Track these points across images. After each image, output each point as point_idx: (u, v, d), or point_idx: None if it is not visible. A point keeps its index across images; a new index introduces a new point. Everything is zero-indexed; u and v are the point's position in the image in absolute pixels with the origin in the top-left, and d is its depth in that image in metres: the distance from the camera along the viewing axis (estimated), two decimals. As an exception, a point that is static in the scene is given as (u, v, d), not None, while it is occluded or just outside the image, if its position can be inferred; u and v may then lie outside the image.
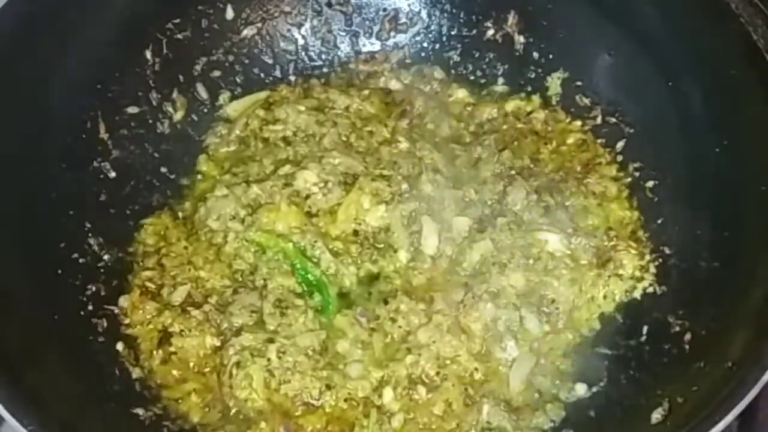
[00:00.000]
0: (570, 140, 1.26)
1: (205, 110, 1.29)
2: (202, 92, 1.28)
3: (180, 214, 1.21)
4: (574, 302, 1.12)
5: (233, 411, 1.04)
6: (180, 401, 1.05)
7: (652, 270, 1.13)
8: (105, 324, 1.08)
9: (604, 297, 1.12)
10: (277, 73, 1.33)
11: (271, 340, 1.06)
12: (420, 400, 1.06)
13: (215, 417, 1.04)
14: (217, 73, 1.29)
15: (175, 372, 1.07)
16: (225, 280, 1.13)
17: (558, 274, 1.13)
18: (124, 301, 1.11)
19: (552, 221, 1.16)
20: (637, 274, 1.13)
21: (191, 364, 1.08)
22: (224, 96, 1.30)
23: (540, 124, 1.27)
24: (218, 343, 1.08)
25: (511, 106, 1.29)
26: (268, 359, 1.05)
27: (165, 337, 1.08)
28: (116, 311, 1.10)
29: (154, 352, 1.08)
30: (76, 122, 1.13)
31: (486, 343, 1.08)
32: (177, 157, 1.25)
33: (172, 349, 1.08)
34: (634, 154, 1.21)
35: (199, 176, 1.25)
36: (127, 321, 1.10)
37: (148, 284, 1.12)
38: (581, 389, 1.07)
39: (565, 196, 1.19)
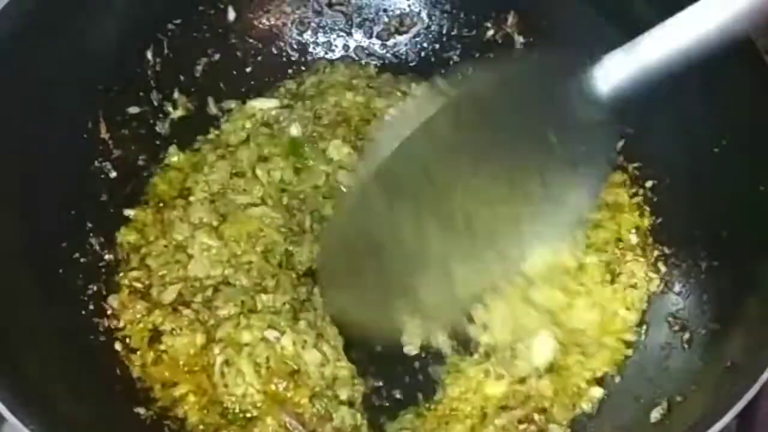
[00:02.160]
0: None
1: (206, 110, 1.29)
2: (203, 92, 1.28)
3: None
4: (602, 324, 1.10)
5: (233, 411, 1.05)
6: (177, 403, 1.05)
7: (662, 269, 1.12)
8: (106, 323, 1.09)
9: (627, 309, 1.11)
10: (278, 74, 1.34)
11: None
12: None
13: (215, 419, 1.04)
14: (217, 74, 1.29)
15: (166, 373, 1.07)
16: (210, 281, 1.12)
17: (578, 304, 1.11)
18: (113, 300, 1.10)
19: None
20: (649, 276, 1.12)
21: (181, 363, 1.07)
22: (225, 96, 1.31)
23: None
24: (205, 341, 1.08)
25: None
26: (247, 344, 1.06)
27: (155, 336, 1.08)
28: (113, 310, 1.10)
29: (145, 351, 1.08)
30: (77, 122, 1.14)
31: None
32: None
33: (162, 347, 1.08)
34: (634, 154, 1.21)
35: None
36: (116, 322, 1.09)
37: (136, 284, 1.12)
38: (597, 392, 1.07)
39: None
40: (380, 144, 0.91)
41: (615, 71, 0.90)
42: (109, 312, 1.09)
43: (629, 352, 1.08)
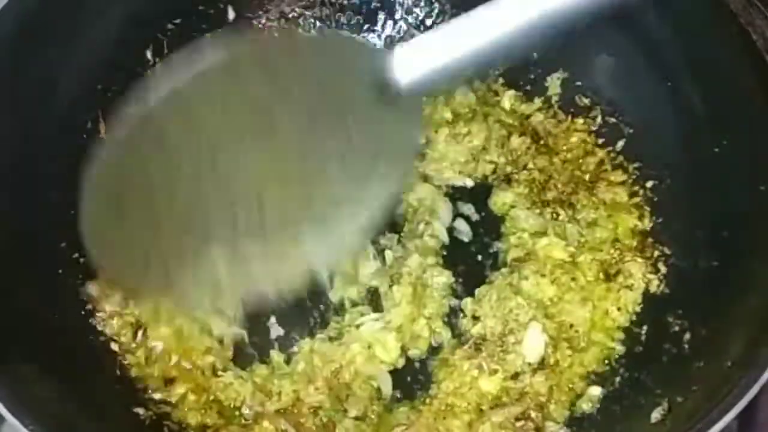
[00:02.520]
0: (573, 138, 1.25)
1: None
2: (203, 92, 1.28)
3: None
4: (592, 321, 1.10)
5: (230, 407, 1.04)
6: (177, 404, 1.05)
7: (662, 270, 1.12)
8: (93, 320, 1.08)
9: (618, 309, 1.11)
10: (278, 74, 1.33)
11: None
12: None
13: (214, 418, 1.04)
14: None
15: (162, 371, 1.07)
16: None
17: (569, 298, 1.11)
18: (92, 286, 1.08)
19: (560, 231, 1.16)
20: (648, 277, 1.12)
21: (172, 360, 1.07)
22: (225, 96, 1.30)
23: (541, 127, 1.26)
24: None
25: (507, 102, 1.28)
26: None
27: (140, 330, 1.08)
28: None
29: (137, 348, 1.07)
30: (77, 122, 1.14)
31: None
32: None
33: (150, 342, 1.07)
34: (634, 154, 1.21)
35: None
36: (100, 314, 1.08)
37: None
38: (596, 391, 1.07)
39: (576, 210, 1.18)
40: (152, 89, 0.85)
41: (409, 61, 0.86)
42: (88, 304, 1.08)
43: (619, 351, 1.09)
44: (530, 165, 1.22)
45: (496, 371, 1.06)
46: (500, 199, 1.20)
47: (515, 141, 1.23)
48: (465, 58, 0.84)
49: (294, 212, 0.92)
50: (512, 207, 1.19)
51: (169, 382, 1.06)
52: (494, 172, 1.23)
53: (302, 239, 0.92)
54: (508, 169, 1.22)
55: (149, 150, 0.86)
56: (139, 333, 1.08)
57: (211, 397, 1.05)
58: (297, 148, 0.91)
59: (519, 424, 1.02)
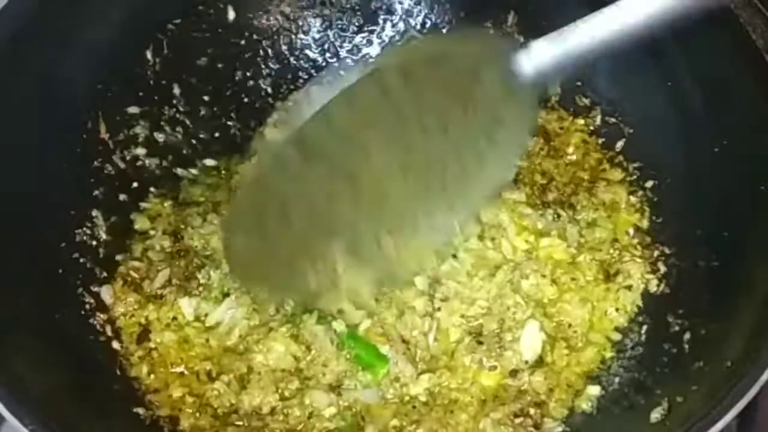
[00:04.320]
0: (574, 139, 1.25)
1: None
2: (203, 93, 1.28)
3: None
4: (590, 321, 1.11)
5: (225, 414, 1.04)
6: (171, 405, 1.04)
7: (662, 269, 1.13)
8: (101, 318, 1.08)
9: (617, 310, 1.11)
10: (277, 74, 1.34)
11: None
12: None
13: (207, 421, 1.04)
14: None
15: (156, 373, 1.07)
16: None
17: (568, 298, 1.11)
18: (106, 291, 1.10)
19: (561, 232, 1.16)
20: (646, 277, 1.13)
21: (170, 363, 1.07)
22: (225, 96, 1.30)
23: (550, 127, 1.26)
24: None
25: None
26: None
27: (144, 333, 1.09)
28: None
29: (135, 350, 1.08)
30: (77, 122, 1.14)
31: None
32: (179, 158, 1.25)
33: (151, 345, 1.08)
34: (634, 154, 1.21)
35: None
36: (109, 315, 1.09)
37: (133, 274, 1.12)
38: (594, 390, 1.07)
39: (576, 210, 1.18)
40: (301, 108, 0.90)
41: (540, 55, 0.94)
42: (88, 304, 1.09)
43: (618, 351, 1.09)
44: (537, 166, 1.22)
45: (495, 367, 1.06)
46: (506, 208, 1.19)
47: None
48: (582, 54, 0.93)
49: (411, 208, 1.02)
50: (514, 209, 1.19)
51: (164, 385, 1.06)
52: (518, 175, 1.21)
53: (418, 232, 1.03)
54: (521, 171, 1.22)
55: (295, 164, 0.93)
56: (143, 336, 1.09)
57: (205, 402, 1.05)
58: (420, 146, 0.98)
59: (518, 420, 1.03)
